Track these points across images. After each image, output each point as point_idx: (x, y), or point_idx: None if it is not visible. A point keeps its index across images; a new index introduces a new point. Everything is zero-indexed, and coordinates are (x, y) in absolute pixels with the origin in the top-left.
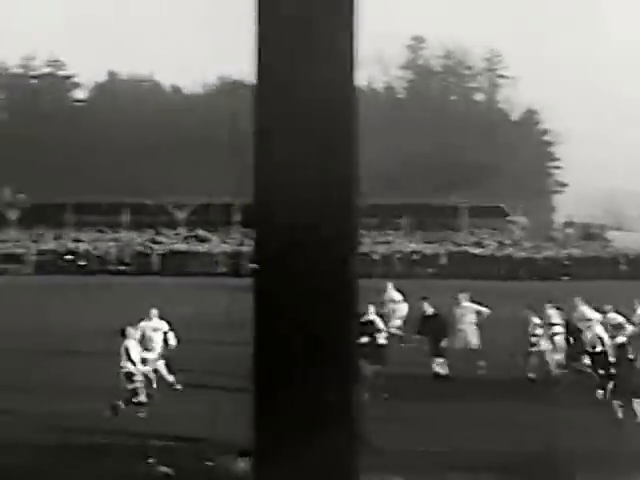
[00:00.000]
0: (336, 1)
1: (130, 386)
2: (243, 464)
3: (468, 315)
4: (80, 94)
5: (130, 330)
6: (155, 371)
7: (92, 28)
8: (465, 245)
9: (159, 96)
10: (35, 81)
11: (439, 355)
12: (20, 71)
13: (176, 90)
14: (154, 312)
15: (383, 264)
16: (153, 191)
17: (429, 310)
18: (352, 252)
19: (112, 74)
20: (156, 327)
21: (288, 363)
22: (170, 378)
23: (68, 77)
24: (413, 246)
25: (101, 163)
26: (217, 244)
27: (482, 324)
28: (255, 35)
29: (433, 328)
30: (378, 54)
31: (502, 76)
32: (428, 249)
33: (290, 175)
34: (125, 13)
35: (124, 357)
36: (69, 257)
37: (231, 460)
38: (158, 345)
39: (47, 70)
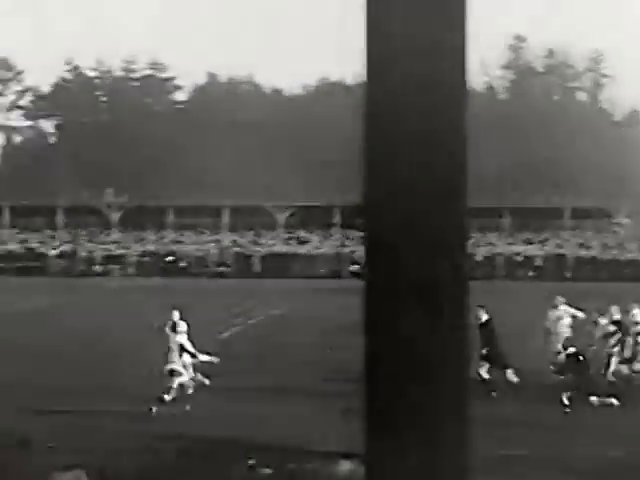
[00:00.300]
0: (446, 0)
1: (178, 380)
2: (345, 467)
3: (564, 318)
4: (180, 96)
5: (182, 325)
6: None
7: (192, 29)
8: (568, 247)
9: (258, 98)
10: (136, 83)
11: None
12: (121, 74)
13: (276, 91)
14: (175, 314)
15: (484, 266)
16: (253, 193)
17: (483, 318)
18: (462, 253)
19: (211, 76)
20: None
21: (400, 365)
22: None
23: (169, 79)
24: (514, 248)
25: (202, 165)
26: (317, 246)
27: (577, 327)
28: (365, 35)
29: (485, 336)
30: (479, 54)
31: (605, 75)
32: (529, 251)
33: (400, 176)
34: (225, 14)
35: (176, 352)
36: (170, 259)
37: (333, 462)
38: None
39: (148, 72)
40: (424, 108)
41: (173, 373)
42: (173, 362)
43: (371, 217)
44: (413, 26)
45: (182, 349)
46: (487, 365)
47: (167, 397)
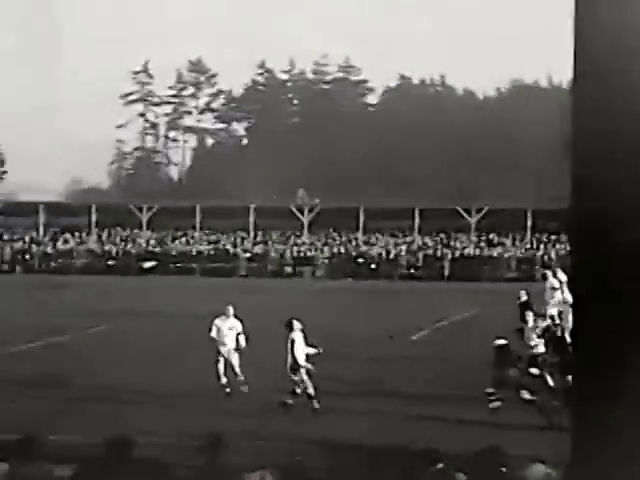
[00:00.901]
0: None
1: (295, 378)
2: (540, 470)
3: None
4: (372, 98)
5: (296, 323)
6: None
7: (385, 31)
8: None
9: (451, 100)
10: (328, 86)
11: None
12: (313, 76)
13: (469, 93)
14: (230, 310)
15: None
16: (444, 195)
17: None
18: None
19: (404, 78)
20: (231, 326)
21: (608, 376)
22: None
23: (361, 82)
24: None
25: (393, 167)
26: (509, 249)
27: None
28: (572, 40)
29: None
30: None
31: None
32: None
33: (608, 182)
34: (417, 16)
35: (290, 349)
36: (360, 260)
37: (527, 466)
38: (231, 343)
39: (340, 75)
40: (633, 114)
41: (293, 368)
42: (289, 359)
43: (577, 222)
44: (623, 28)
45: (292, 346)
46: None
47: (309, 390)
